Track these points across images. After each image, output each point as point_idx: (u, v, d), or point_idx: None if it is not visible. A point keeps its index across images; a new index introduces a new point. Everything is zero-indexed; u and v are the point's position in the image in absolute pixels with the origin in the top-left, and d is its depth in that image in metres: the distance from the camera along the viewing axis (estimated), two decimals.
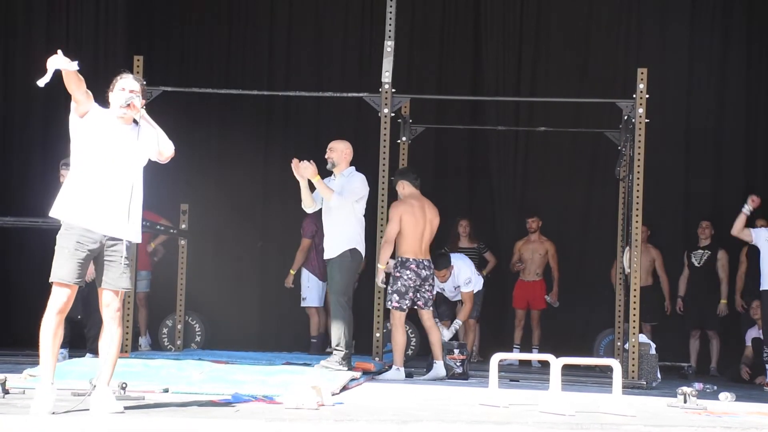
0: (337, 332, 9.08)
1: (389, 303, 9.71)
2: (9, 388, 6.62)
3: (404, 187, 9.88)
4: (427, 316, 9.77)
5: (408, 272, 9.63)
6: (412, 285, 9.62)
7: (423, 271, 9.70)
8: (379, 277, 9.75)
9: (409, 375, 9.72)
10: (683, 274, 12.62)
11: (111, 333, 6.09)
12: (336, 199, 9.18)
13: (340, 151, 9.45)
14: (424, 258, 9.75)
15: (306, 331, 12.44)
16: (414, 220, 9.69)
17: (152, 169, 6.01)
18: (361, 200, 9.33)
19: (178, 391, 7.16)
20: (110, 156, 6.11)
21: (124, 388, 6.48)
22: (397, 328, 9.64)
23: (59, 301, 5.99)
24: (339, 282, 9.21)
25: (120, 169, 6.11)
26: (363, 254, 9.39)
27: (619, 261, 11.16)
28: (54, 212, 6.11)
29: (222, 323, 12.55)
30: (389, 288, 9.73)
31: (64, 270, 5.98)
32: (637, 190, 9.94)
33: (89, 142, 6.14)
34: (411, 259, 9.66)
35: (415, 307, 9.76)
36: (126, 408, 6.01)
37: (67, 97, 6.26)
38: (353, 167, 9.47)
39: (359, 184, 9.34)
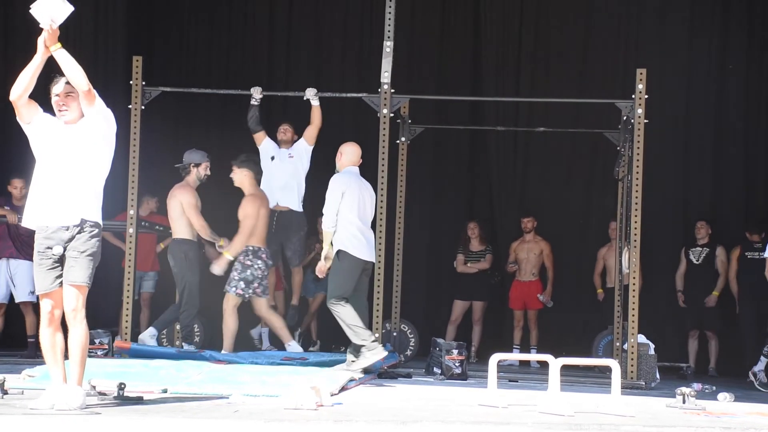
0: (349, 332, 8.85)
1: (233, 289, 9.87)
2: (7, 389, 6.62)
3: (250, 177, 10.10)
4: (264, 305, 9.99)
5: (260, 262, 9.86)
6: (260, 275, 9.87)
7: (269, 260, 10.03)
8: (221, 264, 9.83)
9: (408, 375, 9.72)
10: (679, 270, 12.62)
11: (71, 332, 6.18)
12: (330, 224, 8.95)
13: (338, 154, 9.29)
14: (267, 248, 10.05)
15: (308, 329, 12.48)
16: (265, 211, 10.01)
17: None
18: (344, 200, 8.99)
19: (177, 392, 7.16)
20: (53, 157, 6.26)
21: (122, 389, 6.48)
22: (230, 314, 9.89)
23: (44, 311, 6.23)
24: (331, 286, 8.96)
25: (61, 166, 6.22)
26: (357, 255, 8.95)
27: (616, 261, 11.17)
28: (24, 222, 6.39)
29: (220, 323, 12.52)
30: (235, 274, 9.90)
31: (38, 282, 6.26)
32: (636, 191, 9.95)
33: (39, 148, 6.33)
34: (262, 249, 9.89)
35: (254, 295, 9.95)
36: (125, 408, 6.02)
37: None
38: (350, 168, 9.19)
39: (331, 186, 9.06)
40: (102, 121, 6.27)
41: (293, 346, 10.00)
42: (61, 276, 6.20)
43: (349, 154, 9.23)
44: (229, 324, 9.94)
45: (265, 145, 11.14)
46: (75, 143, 6.22)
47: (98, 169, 6.31)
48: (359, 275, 9.05)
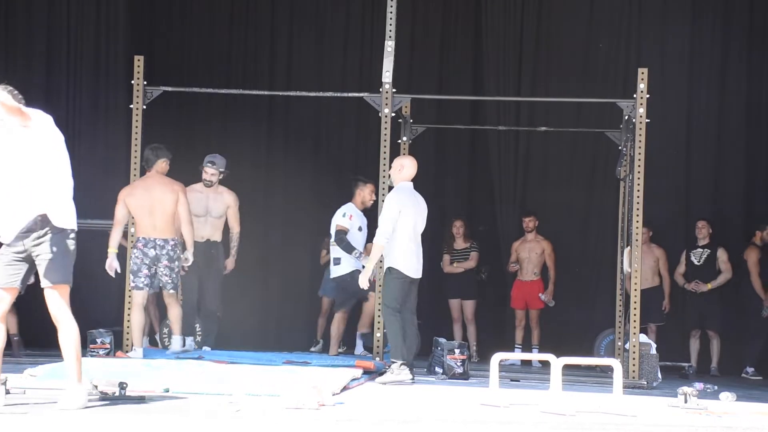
0: (390, 343, 9.04)
1: (131, 284, 9.92)
2: (9, 388, 6.62)
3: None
4: (138, 297, 9.91)
5: (135, 251, 9.87)
6: (140, 263, 9.83)
7: (151, 250, 9.90)
8: (108, 261, 9.77)
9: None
10: (678, 269, 12.63)
11: (61, 331, 6.18)
12: (384, 239, 8.93)
13: (399, 167, 9.24)
14: (158, 237, 9.91)
15: (309, 329, 12.50)
16: (134, 201, 9.90)
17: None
18: (400, 218, 8.99)
19: (178, 391, 7.16)
20: (6, 169, 6.22)
21: (124, 388, 6.48)
22: (132, 308, 9.87)
23: None
24: (384, 296, 9.15)
25: (13, 176, 6.18)
26: (406, 272, 9.01)
27: (619, 261, 11.18)
28: None
29: (223, 323, 12.54)
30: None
31: None
32: (638, 190, 9.94)
33: None
34: (140, 239, 9.92)
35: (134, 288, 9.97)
36: (127, 408, 6.02)
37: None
38: (403, 183, 9.17)
39: (389, 202, 9.04)
40: (43, 130, 6.20)
41: (175, 341, 10.01)
42: (16, 276, 6.19)
43: (410, 168, 9.20)
44: (132, 319, 9.88)
45: (353, 222, 10.87)
46: (23, 155, 6.15)
47: (54, 175, 6.22)
48: (408, 290, 9.12)
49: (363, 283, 9.18)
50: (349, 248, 10.52)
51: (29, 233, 6.16)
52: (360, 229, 10.85)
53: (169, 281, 9.95)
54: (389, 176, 9.45)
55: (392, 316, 8.96)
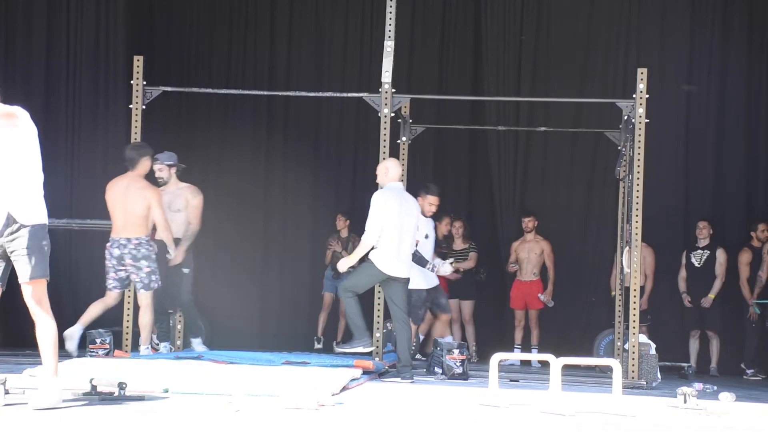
0: (350, 323, 9.37)
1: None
2: (9, 388, 6.62)
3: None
4: (142, 296, 9.82)
5: (106, 252, 9.78)
6: (110, 265, 9.74)
7: (115, 250, 9.73)
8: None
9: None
10: (681, 273, 12.65)
11: (38, 325, 6.18)
12: (372, 240, 9.16)
13: (384, 169, 9.42)
14: (122, 237, 9.74)
15: (310, 329, 12.48)
16: (110, 198, 9.81)
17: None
18: (385, 214, 9.12)
19: (178, 391, 7.16)
20: None
21: (123, 388, 6.48)
22: (99, 300, 9.84)
23: None
24: (348, 278, 9.49)
25: None
26: (381, 269, 9.14)
27: (618, 261, 11.18)
28: None
29: (222, 323, 12.55)
30: None
31: None
32: (637, 190, 9.95)
33: None
34: (111, 238, 9.80)
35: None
36: (126, 407, 6.02)
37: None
38: (391, 183, 9.32)
39: (374, 202, 9.20)
40: (26, 129, 6.17)
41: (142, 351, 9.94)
42: None
43: (394, 169, 9.40)
44: (93, 308, 9.86)
45: (419, 232, 10.53)
46: (10, 153, 6.10)
47: (29, 171, 6.16)
48: (378, 283, 9.43)
49: (341, 266, 9.48)
50: (422, 261, 10.17)
51: (3, 230, 6.15)
52: (426, 236, 10.64)
53: (138, 280, 9.75)
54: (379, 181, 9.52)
55: (350, 298, 9.23)
